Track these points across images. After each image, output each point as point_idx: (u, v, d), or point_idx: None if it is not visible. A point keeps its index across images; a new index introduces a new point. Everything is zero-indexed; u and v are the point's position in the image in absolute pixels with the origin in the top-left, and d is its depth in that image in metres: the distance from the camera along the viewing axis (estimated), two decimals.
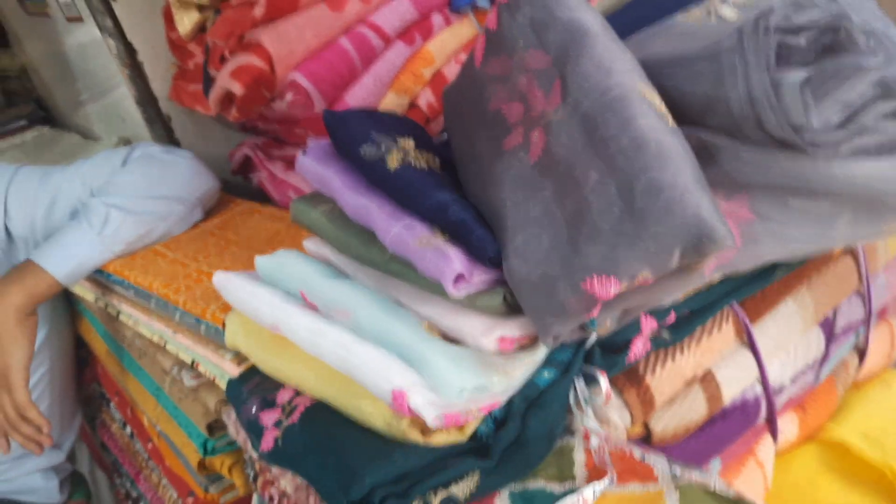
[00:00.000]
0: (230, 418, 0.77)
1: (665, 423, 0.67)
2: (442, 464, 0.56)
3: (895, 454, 0.78)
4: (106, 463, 1.46)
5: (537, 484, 0.57)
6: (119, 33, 1.08)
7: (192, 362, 0.84)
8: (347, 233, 0.70)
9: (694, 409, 0.68)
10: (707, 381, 0.70)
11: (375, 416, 0.59)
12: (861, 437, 0.82)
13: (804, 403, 0.82)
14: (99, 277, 0.97)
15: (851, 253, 0.79)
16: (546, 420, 0.60)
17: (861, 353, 0.86)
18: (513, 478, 0.57)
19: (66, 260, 0.92)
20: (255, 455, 0.73)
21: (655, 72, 0.60)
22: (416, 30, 0.93)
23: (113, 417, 1.25)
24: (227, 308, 0.76)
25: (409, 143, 0.70)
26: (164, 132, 1.16)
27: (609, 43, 0.58)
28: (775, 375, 0.74)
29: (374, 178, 0.68)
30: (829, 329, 0.79)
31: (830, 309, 0.79)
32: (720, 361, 0.71)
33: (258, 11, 0.85)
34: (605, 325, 0.60)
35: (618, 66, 0.57)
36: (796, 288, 0.75)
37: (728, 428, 0.72)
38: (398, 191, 0.65)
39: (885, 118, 0.59)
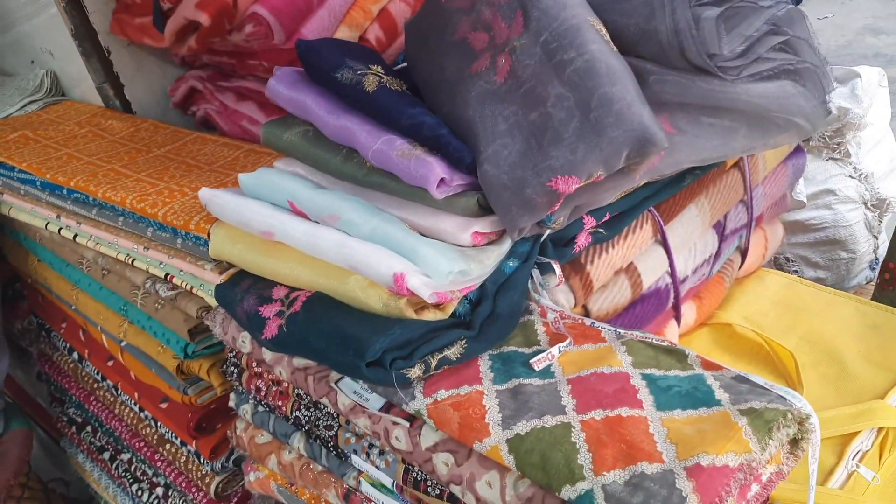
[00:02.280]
0: (215, 320, 0.84)
1: (599, 305, 0.82)
2: (434, 334, 0.67)
3: (770, 331, 0.97)
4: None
5: (510, 348, 0.70)
6: None
7: (166, 276, 0.91)
8: (325, 151, 0.79)
9: (621, 294, 0.83)
10: (630, 271, 0.84)
11: (373, 300, 0.69)
12: (743, 319, 1.00)
13: (700, 294, 0.99)
14: (56, 198, 1.00)
15: (739, 168, 0.95)
16: (513, 299, 0.72)
17: (743, 253, 1.04)
18: (490, 345, 0.69)
19: None
20: (244, 350, 0.81)
21: (597, 7, 0.73)
22: None
23: (55, 347, 1.28)
24: (210, 220, 0.83)
25: (379, 69, 0.79)
26: (102, 66, 1.17)
27: None
28: (680, 268, 0.90)
29: (353, 99, 0.76)
30: (720, 231, 0.96)
31: (722, 214, 0.96)
32: (640, 255, 0.85)
33: None
34: (560, 221, 0.73)
35: (571, 1, 0.69)
36: (697, 196, 0.91)
37: (645, 310, 0.87)
38: (378, 110, 0.75)
39: (774, 50, 0.74)
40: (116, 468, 1.25)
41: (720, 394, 0.60)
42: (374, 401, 0.69)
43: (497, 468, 0.60)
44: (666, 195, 0.85)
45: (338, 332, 0.68)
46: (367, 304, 0.70)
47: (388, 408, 0.69)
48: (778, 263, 1.54)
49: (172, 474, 1.08)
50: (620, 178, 0.69)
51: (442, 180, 0.69)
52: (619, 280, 0.84)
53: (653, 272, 0.87)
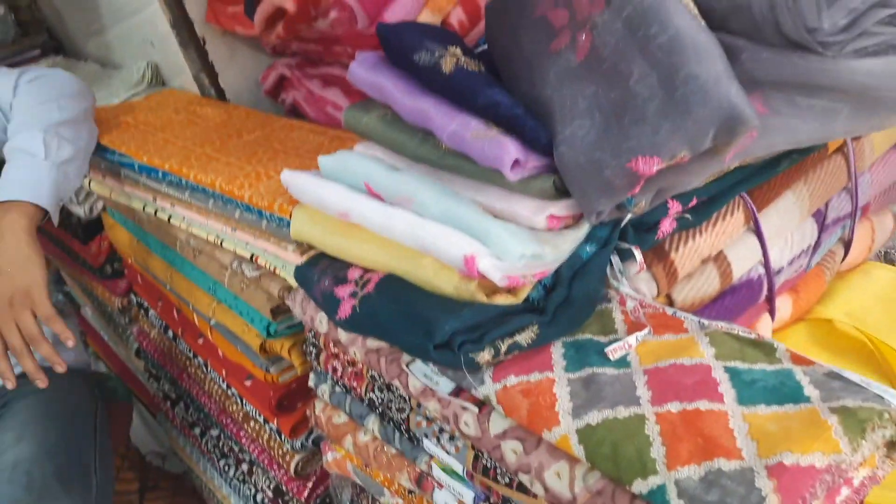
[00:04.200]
0: (295, 300, 0.86)
1: (685, 295, 0.78)
2: (505, 318, 0.66)
3: (873, 328, 0.90)
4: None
5: (584, 336, 0.68)
6: None
7: (252, 256, 0.93)
8: (402, 134, 0.79)
9: (709, 284, 0.79)
10: (720, 260, 0.80)
11: (444, 283, 0.69)
12: (844, 315, 0.94)
13: (797, 287, 0.93)
14: (152, 181, 1.04)
15: (842, 152, 0.89)
16: (589, 286, 0.70)
17: (846, 244, 0.97)
18: (564, 332, 0.67)
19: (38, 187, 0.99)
20: (321, 331, 0.82)
21: None
22: None
23: (152, 324, 1.34)
24: (292, 202, 0.84)
25: (457, 51, 0.78)
26: (198, 55, 1.22)
27: None
28: (775, 259, 0.85)
29: (430, 81, 0.76)
30: (821, 220, 0.90)
31: (823, 202, 0.90)
32: (731, 244, 0.81)
33: None
34: (641, 205, 0.70)
35: None
36: (795, 182, 0.85)
37: (735, 302, 0.83)
38: (454, 91, 0.74)
39: (881, 23, 0.68)
40: (206, 443, 1.30)
41: (809, 390, 0.56)
42: (444, 384, 0.68)
43: (566, 458, 0.59)
44: (759, 180, 0.80)
45: (408, 314, 0.68)
46: (439, 287, 0.69)
47: (457, 392, 0.68)
48: (888, 258, 1.43)
49: (256, 451, 1.11)
50: (708, 159, 0.65)
51: (516, 162, 0.67)
52: (707, 269, 0.79)
53: (744, 262, 0.82)
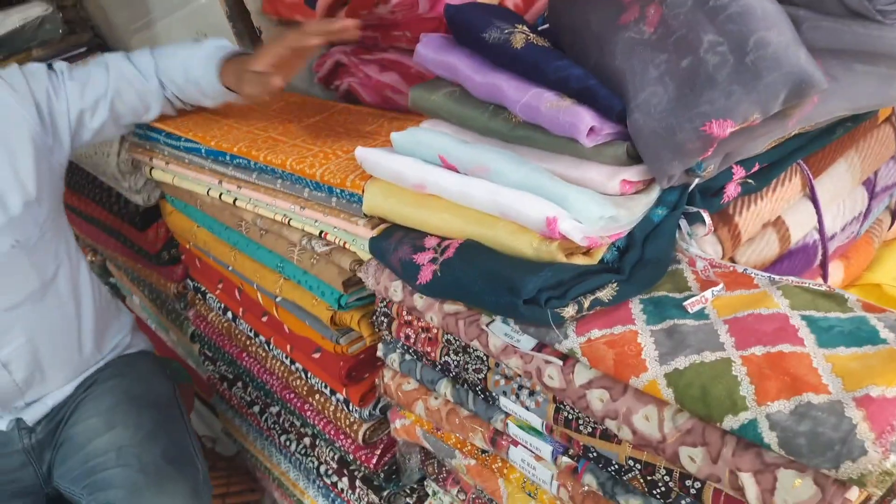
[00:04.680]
0: (368, 272, 0.90)
1: (746, 258, 0.81)
2: (585, 277, 0.69)
3: None
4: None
5: (660, 293, 0.71)
6: None
7: (321, 233, 0.97)
8: (472, 109, 0.82)
9: (769, 247, 0.83)
10: (778, 224, 0.84)
11: (524, 244, 0.72)
12: (893, 280, 0.97)
13: (848, 254, 0.97)
14: (218, 164, 1.08)
15: (891, 122, 0.92)
16: (661, 246, 0.73)
17: (894, 213, 1.01)
18: (641, 289, 0.71)
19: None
20: (396, 299, 0.86)
21: None
22: None
23: (210, 307, 1.38)
24: (364, 178, 0.88)
25: (525, 28, 0.81)
26: (253, 46, 1.26)
27: None
28: (829, 225, 0.89)
29: (501, 57, 0.79)
30: (871, 188, 0.94)
31: (872, 171, 0.93)
32: (788, 209, 0.84)
33: None
34: (710, 170, 0.73)
35: None
36: (847, 151, 0.88)
37: (793, 266, 0.86)
38: (526, 65, 0.77)
39: None
40: (266, 421, 1.35)
41: (885, 333, 0.60)
42: (526, 342, 0.72)
43: (654, 402, 0.62)
44: (816, 147, 0.83)
45: (492, 274, 0.72)
46: (518, 249, 0.73)
47: (539, 348, 0.71)
48: None
49: (321, 423, 1.15)
50: (774, 123, 0.69)
51: (592, 129, 0.71)
52: (767, 233, 0.83)
53: (801, 227, 0.86)
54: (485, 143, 0.83)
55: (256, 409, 1.37)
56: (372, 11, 1.03)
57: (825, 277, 0.92)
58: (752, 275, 0.71)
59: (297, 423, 1.27)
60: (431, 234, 0.82)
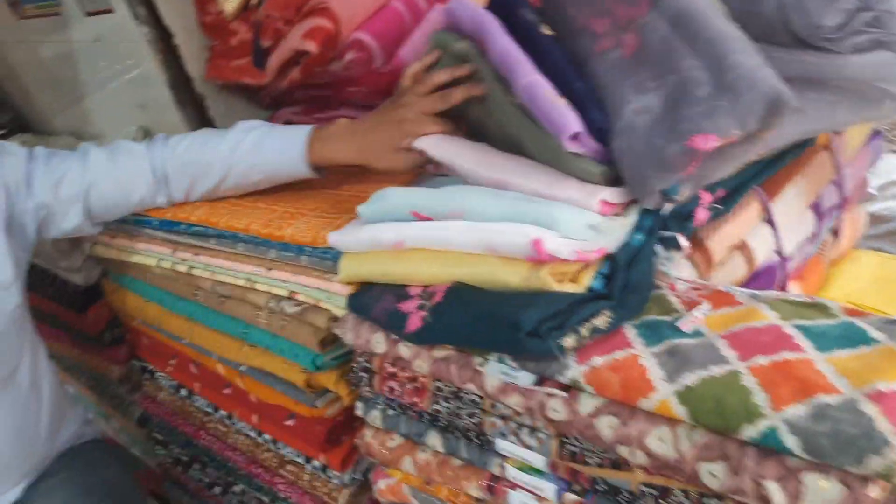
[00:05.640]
0: (346, 326, 0.88)
1: (718, 281, 0.84)
2: (578, 305, 0.70)
3: (871, 307, 0.98)
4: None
5: (650, 317, 0.72)
6: (154, 20, 1.16)
7: (290, 293, 0.94)
8: (484, 66, 0.85)
9: (738, 269, 0.86)
10: (744, 248, 0.87)
11: (511, 276, 0.72)
12: (845, 298, 1.02)
13: (803, 274, 1.01)
14: (172, 234, 1.05)
15: (828, 148, 0.99)
16: (644, 270, 0.75)
17: (836, 233, 1.06)
18: (632, 313, 0.72)
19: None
20: (378, 351, 0.84)
21: None
22: None
23: (160, 387, 1.31)
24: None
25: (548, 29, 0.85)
26: (196, 112, 1.24)
27: None
28: (785, 246, 0.93)
29: (528, 34, 0.82)
30: (818, 210, 0.99)
31: (815, 194, 0.98)
32: (749, 233, 0.88)
33: None
34: (684, 193, 0.76)
35: None
36: (794, 176, 0.94)
37: (758, 287, 0.89)
38: (545, 53, 0.80)
39: (867, 24, 0.78)
40: (229, 502, 1.27)
41: (875, 334, 0.62)
42: (524, 377, 0.72)
43: (666, 422, 0.62)
44: (770, 173, 0.88)
45: (487, 313, 0.71)
46: (506, 282, 0.73)
47: (539, 382, 0.71)
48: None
49: (295, 495, 1.10)
50: (748, 144, 0.72)
51: (577, 135, 0.73)
52: (735, 257, 0.86)
53: (763, 249, 0.89)
54: (467, 152, 0.85)
55: (217, 489, 1.29)
56: (325, 69, 1.03)
57: None
58: (734, 292, 0.74)
59: (266, 500, 1.20)
60: (414, 284, 0.81)
